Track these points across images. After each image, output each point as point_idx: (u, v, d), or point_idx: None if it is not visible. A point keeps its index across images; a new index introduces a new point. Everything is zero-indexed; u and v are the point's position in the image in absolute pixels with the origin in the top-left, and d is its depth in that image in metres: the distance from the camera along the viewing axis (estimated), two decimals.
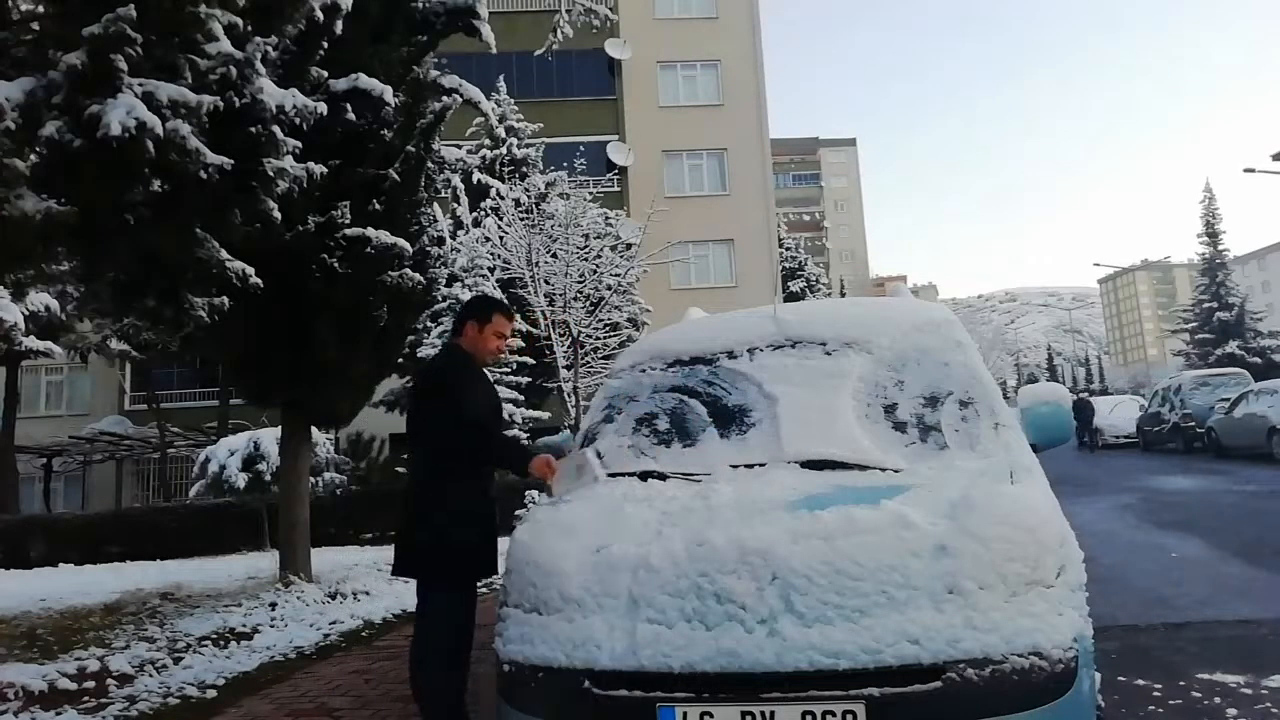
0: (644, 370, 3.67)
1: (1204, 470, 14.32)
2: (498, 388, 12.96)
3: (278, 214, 5.61)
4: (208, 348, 9.50)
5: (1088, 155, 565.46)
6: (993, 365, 59.89)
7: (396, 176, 7.74)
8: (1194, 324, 42.78)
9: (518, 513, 9.55)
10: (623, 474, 3.10)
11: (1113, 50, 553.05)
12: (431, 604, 3.22)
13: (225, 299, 6.02)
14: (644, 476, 3.01)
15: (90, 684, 4.86)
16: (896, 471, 2.76)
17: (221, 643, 5.90)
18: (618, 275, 15.15)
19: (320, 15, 6.04)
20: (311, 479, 10.44)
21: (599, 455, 3.16)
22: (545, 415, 16.18)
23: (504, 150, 21.32)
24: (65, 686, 4.78)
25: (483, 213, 16.88)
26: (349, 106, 6.94)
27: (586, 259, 14.75)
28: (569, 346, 14.28)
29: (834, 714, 2.09)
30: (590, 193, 19.05)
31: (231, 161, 4.83)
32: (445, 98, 8.59)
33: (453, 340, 3.48)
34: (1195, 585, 5.79)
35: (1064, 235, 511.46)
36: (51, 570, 12.08)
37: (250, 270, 5.76)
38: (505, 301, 3.89)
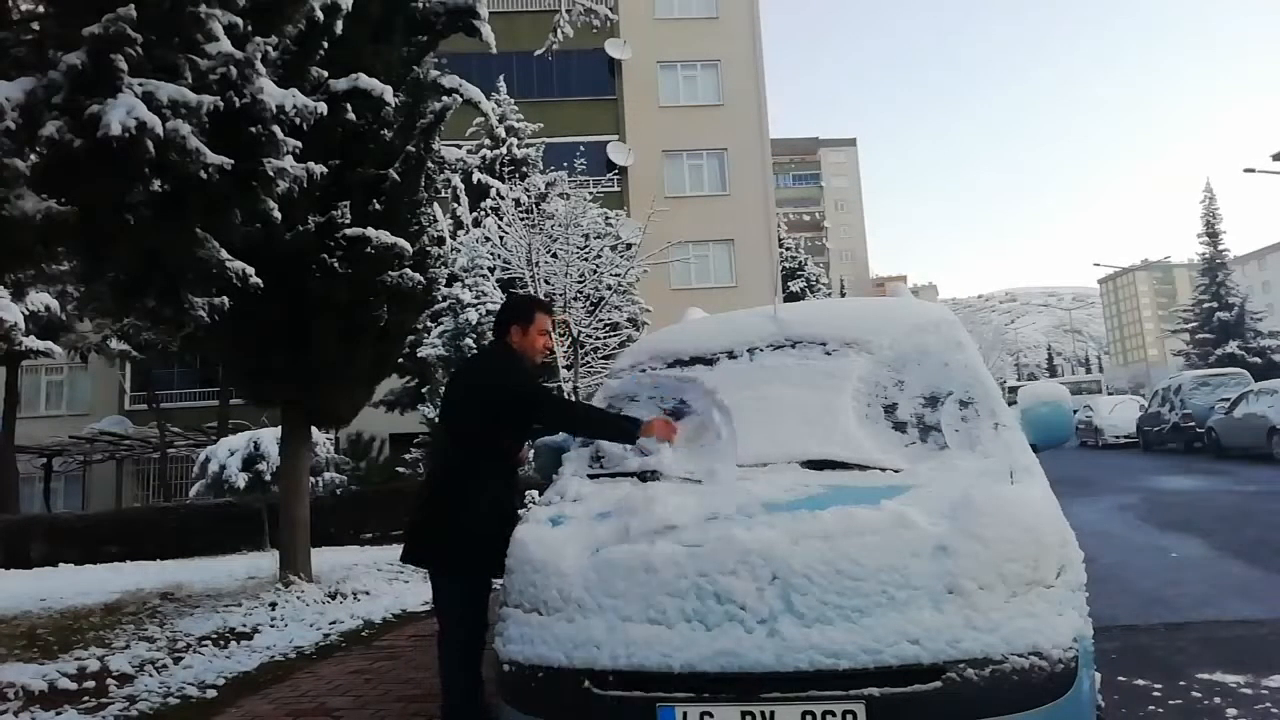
0: (644, 370, 3.68)
1: (1204, 470, 14.32)
2: None
3: (278, 214, 5.61)
4: (208, 348, 9.51)
5: (1088, 155, 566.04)
6: (993, 365, 59.86)
7: (396, 176, 7.74)
8: (1194, 324, 42.80)
9: (519, 512, 9.54)
10: (623, 474, 3.10)
11: (1113, 50, 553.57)
12: (447, 596, 3.24)
13: (225, 299, 6.02)
14: (644, 477, 3.01)
15: (90, 684, 4.86)
16: (897, 471, 2.76)
17: (221, 642, 5.90)
18: (618, 275, 15.15)
19: (320, 15, 6.04)
20: (311, 479, 10.44)
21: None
22: None
23: (504, 150, 21.32)
24: (65, 686, 4.78)
25: (483, 213, 16.88)
26: (349, 106, 6.93)
27: (586, 259, 14.75)
28: (569, 346, 14.28)
29: (834, 714, 2.09)
30: (590, 193, 19.03)
31: (231, 161, 4.83)
32: (445, 98, 8.59)
33: (500, 341, 3.48)
34: (1195, 585, 5.79)
35: (1064, 235, 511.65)
36: (51, 570, 12.07)
37: (250, 270, 5.75)
38: (541, 297, 3.93)
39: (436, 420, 3.52)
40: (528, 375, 3.39)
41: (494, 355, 3.52)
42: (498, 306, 14.87)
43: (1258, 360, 36.61)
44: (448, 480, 3.28)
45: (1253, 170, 29.32)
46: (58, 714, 4.32)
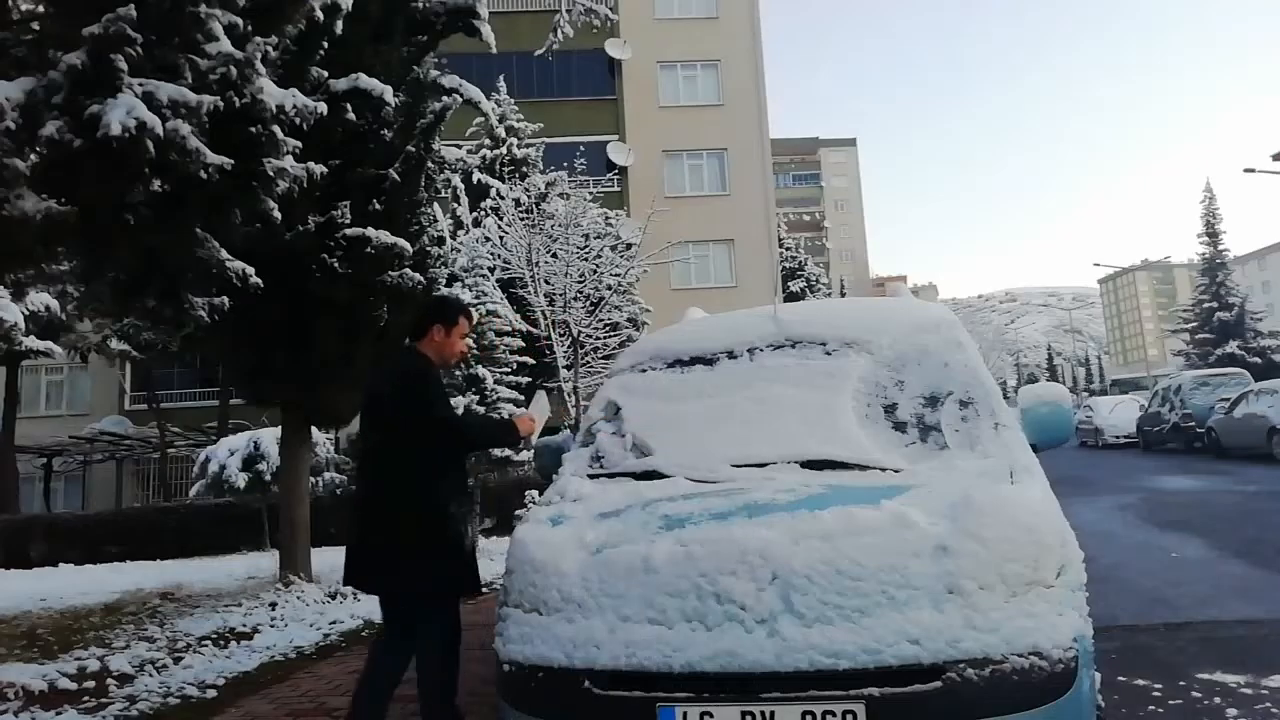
0: (644, 370, 3.68)
1: (1204, 470, 14.31)
2: (498, 388, 12.81)
3: (278, 214, 5.61)
4: (208, 348, 9.52)
5: (1088, 155, 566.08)
6: (993, 365, 59.91)
7: (396, 176, 7.74)
8: (1194, 324, 42.76)
9: (518, 513, 9.54)
10: (623, 474, 3.10)
11: (1113, 50, 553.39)
12: (428, 620, 3.13)
13: (225, 299, 6.02)
14: (644, 476, 3.01)
15: (90, 684, 4.86)
16: (896, 471, 2.77)
17: (221, 642, 5.90)
18: (618, 275, 15.16)
19: (320, 15, 6.05)
20: (311, 479, 10.44)
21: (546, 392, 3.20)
22: None
23: (504, 150, 21.35)
24: (65, 686, 4.78)
25: (483, 213, 16.89)
26: (349, 106, 6.94)
27: (586, 259, 14.75)
28: (569, 346, 14.28)
29: (834, 714, 2.09)
30: (590, 193, 19.04)
31: (231, 161, 4.83)
32: (445, 98, 8.60)
33: (415, 343, 3.33)
34: (1195, 585, 5.79)
35: (1064, 235, 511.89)
36: (51, 570, 12.08)
37: (250, 270, 5.76)
38: (464, 301, 3.81)
39: (379, 425, 3.29)
40: (442, 396, 3.22)
41: (413, 364, 3.27)
42: (498, 306, 14.73)
43: (1258, 360, 36.58)
44: (392, 494, 3.08)
45: (1253, 170, 29.31)
46: (58, 714, 4.32)
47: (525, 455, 12.84)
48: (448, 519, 3.09)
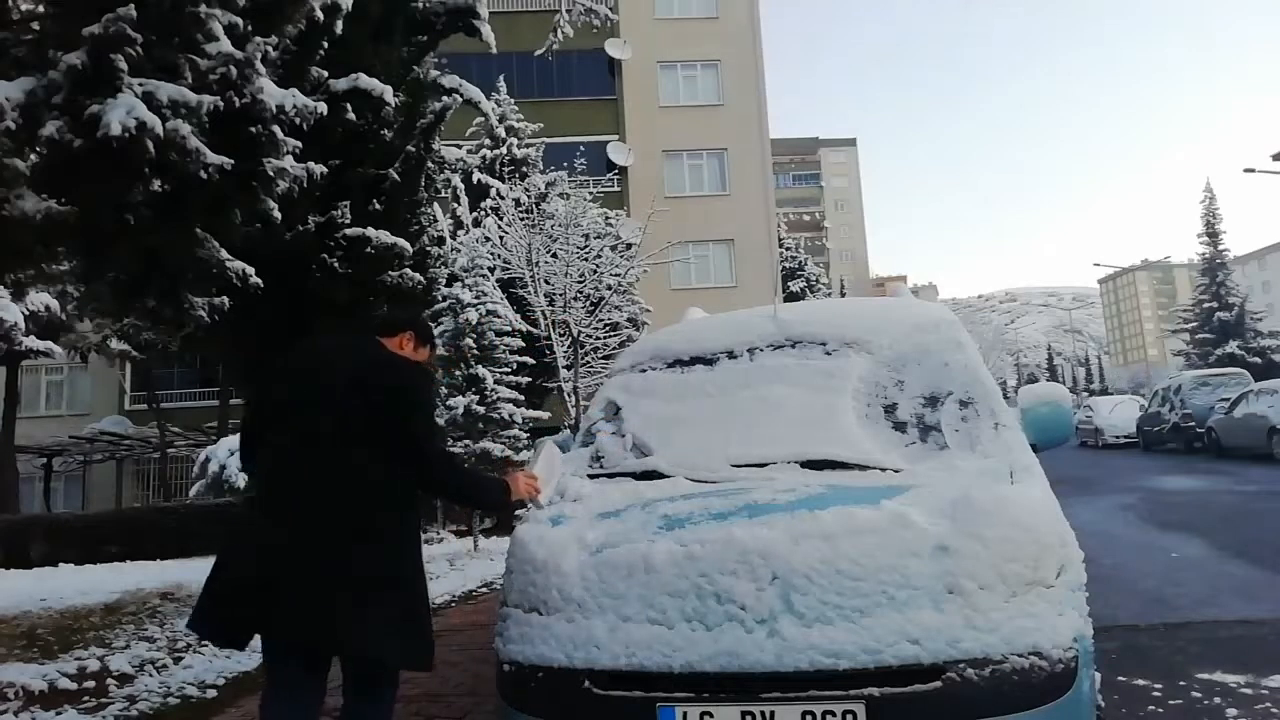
0: (644, 370, 3.67)
1: (1204, 470, 14.32)
2: (498, 388, 12.65)
3: (278, 214, 5.62)
4: (208, 348, 9.53)
5: (1088, 155, 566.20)
6: (993, 365, 59.89)
7: (396, 176, 7.76)
8: (1194, 324, 42.80)
9: (518, 513, 9.54)
10: (623, 474, 3.10)
11: (1113, 50, 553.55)
12: (377, 697, 2.57)
13: (225, 299, 6.03)
14: (644, 476, 3.01)
15: (90, 684, 4.86)
16: (896, 471, 2.76)
17: None
18: (618, 275, 15.16)
19: (320, 15, 6.05)
20: None
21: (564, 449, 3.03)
22: (545, 415, 16.19)
23: (504, 150, 21.32)
24: (65, 686, 4.78)
25: (483, 213, 16.88)
26: (349, 106, 6.96)
27: (586, 259, 14.76)
28: (569, 346, 14.30)
29: (834, 714, 2.09)
30: (590, 193, 19.04)
31: (231, 161, 4.83)
32: (445, 98, 8.63)
33: (391, 341, 2.77)
34: (1195, 585, 5.79)
35: (1064, 235, 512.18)
36: (51, 570, 12.05)
37: (250, 270, 5.76)
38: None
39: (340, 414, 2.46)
40: (433, 417, 2.73)
41: (403, 362, 2.72)
42: (498, 306, 14.67)
43: (1258, 360, 36.61)
44: (375, 513, 2.44)
45: (1253, 170, 29.32)
46: (58, 714, 4.32)
47: (525, 455, 12.83)
48: (410, 549, 2.55)
